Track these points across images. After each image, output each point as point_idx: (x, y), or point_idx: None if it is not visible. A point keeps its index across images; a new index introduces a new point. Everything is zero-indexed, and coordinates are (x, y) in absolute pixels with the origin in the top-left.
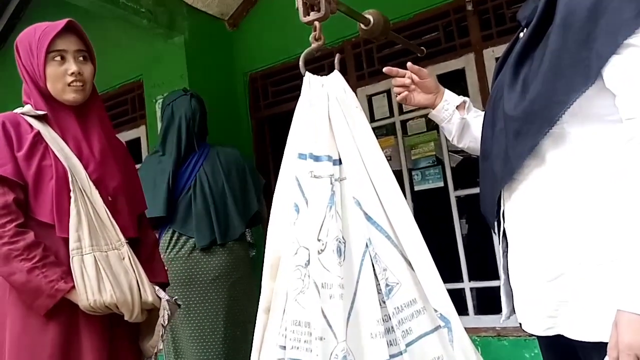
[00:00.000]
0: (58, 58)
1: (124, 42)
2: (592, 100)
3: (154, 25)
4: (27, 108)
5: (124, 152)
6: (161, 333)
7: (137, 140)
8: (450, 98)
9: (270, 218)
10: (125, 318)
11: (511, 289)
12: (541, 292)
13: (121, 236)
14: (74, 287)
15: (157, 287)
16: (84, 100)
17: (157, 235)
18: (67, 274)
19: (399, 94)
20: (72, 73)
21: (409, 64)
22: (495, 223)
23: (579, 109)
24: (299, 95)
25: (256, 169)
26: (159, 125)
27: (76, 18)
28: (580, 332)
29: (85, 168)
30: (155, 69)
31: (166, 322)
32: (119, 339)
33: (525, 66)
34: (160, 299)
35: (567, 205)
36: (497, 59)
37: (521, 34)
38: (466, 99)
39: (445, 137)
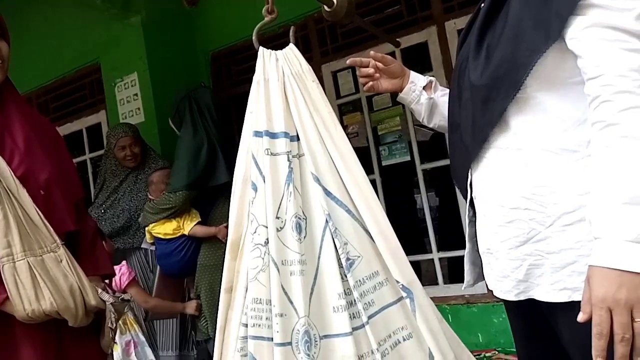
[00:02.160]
0: None
1: (78, 24)
2: (556, 63)
3: (109, 5)
4: None
5: (51, 133)
6: (111, 335)
7: (98, 126)
8: (416, 79)
9: (231, 198)
10: (70, 324)
11: (479, 257)
12: (511, 257)
13: (56, 237)
14: (7, 298)
15: (100, 290)
16: (2, 80)
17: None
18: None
19: (365, 84)
20: None
21: (371, 52)
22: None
23: (542, 72)
24: None
25: None
26: (120, 109)
27: (25, 2)
28: (551, 294)
29: (10, 163)
30: (113, 51)
31: (114, 325)
32: (69, 340)
33: (489, 34)
34: (104, 302)
35: (532, 169)
36: (459, 31)
37: (483, 4)
38: (432, 78)
39: (411, 112)
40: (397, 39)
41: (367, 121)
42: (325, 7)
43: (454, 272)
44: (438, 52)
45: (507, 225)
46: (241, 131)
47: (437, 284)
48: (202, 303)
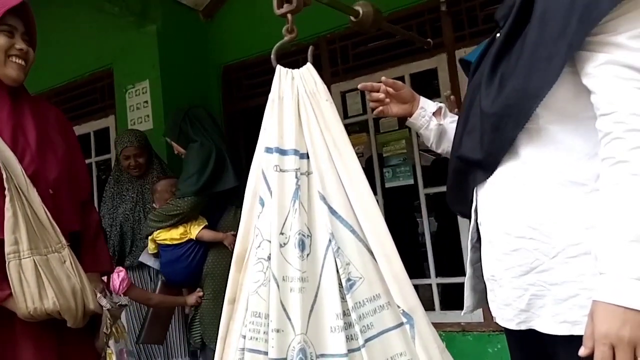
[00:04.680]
0: (7, 32)
1: (94, 29)
2: (569, 98)
3: (126, 13)
4: None
5: (64, 130)
6: (105, 340)
7: (106, 130)
8: (426, 105)
9: (242, 212)
10: (69, 324)
11: (479, 283)
12: (514, 286)
13: (62, 238)
14: (11, 294)
15: (98, 294)
16: (21, 82)
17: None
18: (3, 280)
19: (375, 109)
20: (20, 49)
21: (383, 78)
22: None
23: (555, 105)
24: None
25: None
26: (129, 115)
27: (45, 3)
28: (551, 326)
29: (21, 161)
30: (126, 58)
31: (108, 330)
32: (68, 338)
33: (503, 63)
34: (101, 306)
35: (539, 199)
36: None
37: (498, 35)
38: (442, 105)
39: (417, 135)
40: (407, 64)
41: (373, 142)
42: (352, 18)
43: (451, 298)
44: (447, 79)
45: (512, 253)
46: (248, 143)
47: (433, 309)
48: (203, 310)
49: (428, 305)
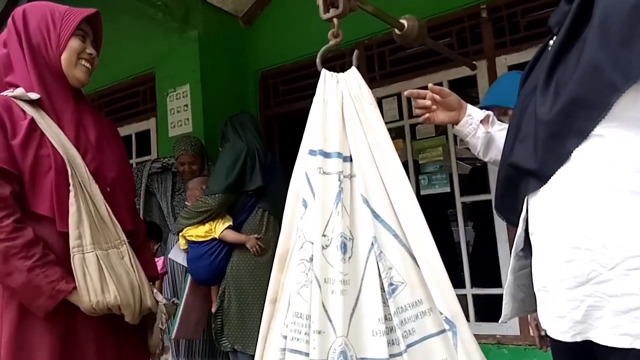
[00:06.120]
0: (81, 37)
1: (137, 34)
2: (628, 104)
3: (169, 18)
4: (19, 92)
5: (115, 135)
6: (160, 336)
7: (147, 132)
8: (473, 113)
9: (284, 212)
10: (126, 319)
11: (521, 292)
12: (569, 297)
13: (121, 234)
14: (75, 287)
15: (155, 290)
16: (85, 84)
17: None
18: (68, 273)
19: (421, 116)
20: (90, 54)
21: (429, 84)
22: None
23: (613, 111)
24: (309, 94)
25: None
26: (169, 118)
27: (90, 7)
28: (610, 338)
29: (83, 157)
30: (168, 62)
31: (164, 326)
32: (125, 339)
33: (559, 70)
34: (157, 302)
35: (596, 209)
36: (509, 67)
37: (551, 42)
38: (490, 112)
39: (454, 143)
40: (446, 70)
41: (409, 149)
42: (396, 30)
43: (487, 309)
44: (486, 86)
45: (567, 264)
46: (283, 148)
47: (468, 320)
48: (228, 316)
49: None
